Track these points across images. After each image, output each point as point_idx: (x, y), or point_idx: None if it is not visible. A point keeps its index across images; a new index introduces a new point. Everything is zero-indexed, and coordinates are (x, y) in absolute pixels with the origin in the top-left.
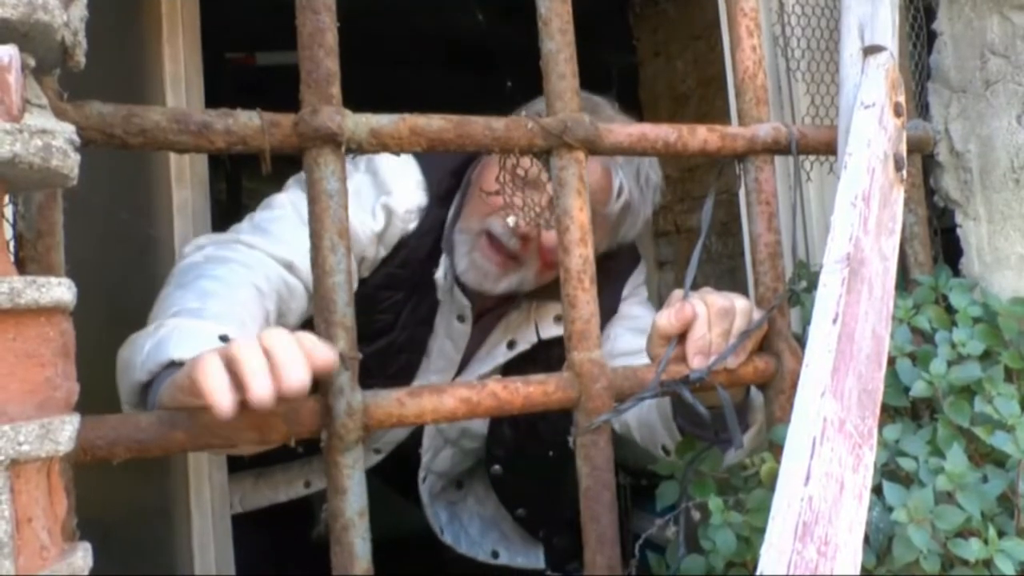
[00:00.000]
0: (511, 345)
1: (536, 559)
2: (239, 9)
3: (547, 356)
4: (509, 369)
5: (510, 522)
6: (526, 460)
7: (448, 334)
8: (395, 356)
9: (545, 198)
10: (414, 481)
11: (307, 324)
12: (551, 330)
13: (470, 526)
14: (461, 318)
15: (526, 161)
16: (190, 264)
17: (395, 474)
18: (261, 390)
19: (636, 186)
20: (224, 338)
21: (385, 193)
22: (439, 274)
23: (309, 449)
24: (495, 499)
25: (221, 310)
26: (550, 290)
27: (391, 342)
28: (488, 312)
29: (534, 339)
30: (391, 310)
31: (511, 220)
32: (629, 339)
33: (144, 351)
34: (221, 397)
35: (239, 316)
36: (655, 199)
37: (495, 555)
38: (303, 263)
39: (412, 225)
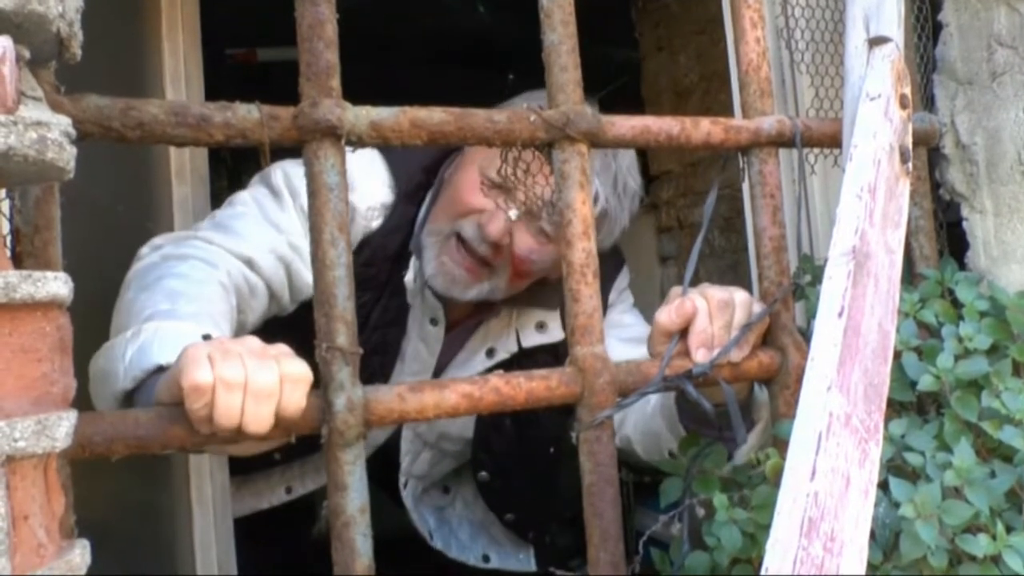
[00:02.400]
0: (490, 353)
1: (528, 562)
2: (240, 5)
3: (530, 366)
4: None
5: (499, 526)
6: (515, 466)
7: (421, 337)
8: (368, 359)
9: (547, 191)
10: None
11: (296, 320)
12: (533, 338)
13: (459, 530)
14: (434, 321)
15: (527, 154)
16: (148, 265)
17: (381, 479)
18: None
19: (613, 194)
20: (207, 337)
21: None
22: (408, 277)
23: (287, 455)
24: (483, 504)
25: (193, 310)
26: (532, 297)
27: (362, 344)
28: (465, 318)
29: (514, 348)
30: (359, 312)
31: (513, 213)
32: (621, 350)
33: (126, 358)
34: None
35: (210, 314)
36: (633, 206)
37: (486, 559)
38: (264, 260)
39: (376, 223)
